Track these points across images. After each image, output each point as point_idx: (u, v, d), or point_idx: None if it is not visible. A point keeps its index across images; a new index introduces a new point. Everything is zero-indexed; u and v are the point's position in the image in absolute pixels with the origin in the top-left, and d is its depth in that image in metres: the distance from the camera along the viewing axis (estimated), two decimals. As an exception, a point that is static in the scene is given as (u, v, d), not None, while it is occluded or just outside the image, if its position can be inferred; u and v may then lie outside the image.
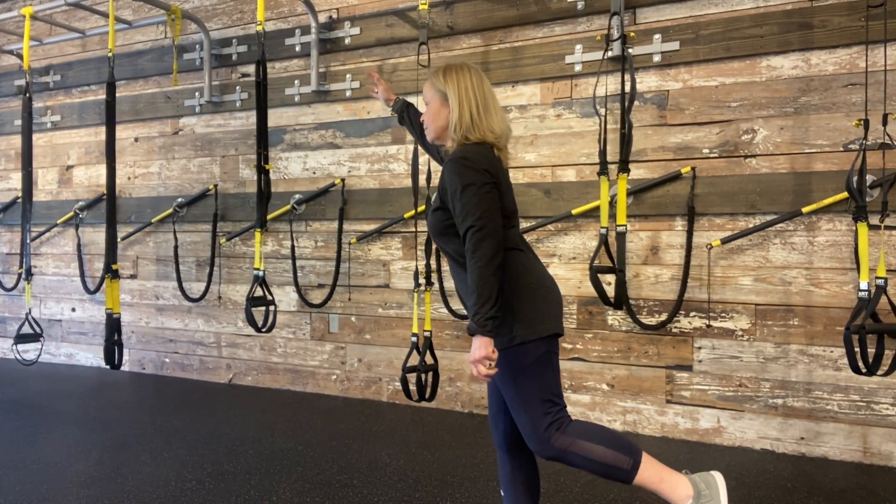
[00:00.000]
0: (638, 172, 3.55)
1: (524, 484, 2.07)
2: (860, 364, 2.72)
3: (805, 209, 3.21)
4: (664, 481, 1.88)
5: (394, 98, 2.71)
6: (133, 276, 5.18)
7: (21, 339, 4.48)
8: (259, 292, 3.84)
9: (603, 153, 3.30)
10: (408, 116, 2.62)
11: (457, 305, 3.94)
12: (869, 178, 2.96)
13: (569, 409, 3.72)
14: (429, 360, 3.49)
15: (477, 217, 1.80)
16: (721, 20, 3.40)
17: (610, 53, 3.46)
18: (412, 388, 3.43)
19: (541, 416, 1.87)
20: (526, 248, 1.99)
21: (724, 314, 3.43)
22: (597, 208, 3.55)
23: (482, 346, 1.78)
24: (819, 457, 3.23)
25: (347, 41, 4.32)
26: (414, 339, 3.51)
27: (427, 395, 3.47)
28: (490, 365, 1.81)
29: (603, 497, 2.76)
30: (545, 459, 1.90)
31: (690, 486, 1.87)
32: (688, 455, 3.26)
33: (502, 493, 2.12)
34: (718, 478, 1.89)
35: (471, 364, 1.81)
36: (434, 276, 3.80)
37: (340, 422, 3.83)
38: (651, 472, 1.88)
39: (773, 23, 3.30)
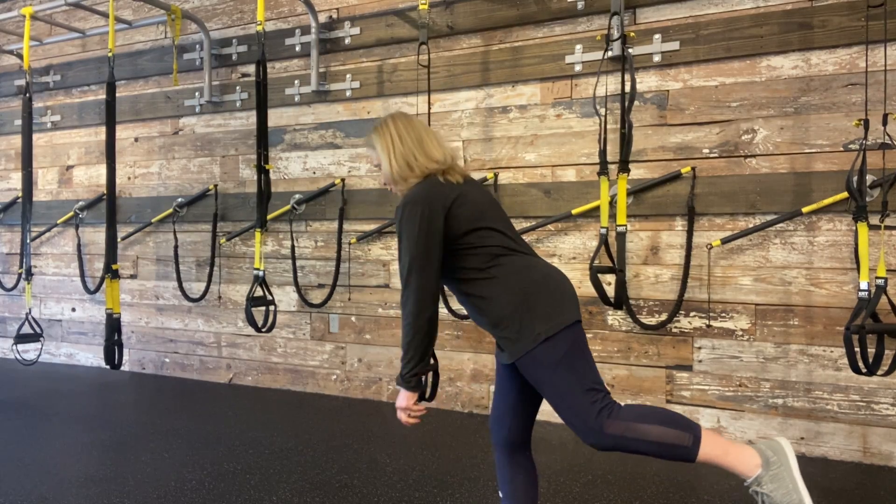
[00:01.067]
0: (638, 172, 3.55)
1: (523, 486, 2.06)
2: (860, 364, 2.72)
3: (805, 209, 3.21)
4: (729, 454, 1.79)
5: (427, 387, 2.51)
6: (133, 276, 5.18)
7: (21, 339, 4.47)
8: (259, 292, 3.84)
9: (603, 153, 3.30)
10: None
11: (456, 305, 3.94)
12: (869, 178, 2.96)
13: (569, 409, 3.72)
14: (429, 360, 3.49)
15: (406, 274, 1.84)
16: (721, 20, 3.40)
17: (610, 53, 3.46)
18: (412, 388, 3.42)
19: (587, 407, 1.80)
20: (525, 250, 1.97)
21: (724, 314, 3.43)
22: (597, 208, 3.55)
23: (406, 399, 1.90)
24: (819, 457, 3.23)
25: (347, 41, 4.32)
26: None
27: (427, 395, 3.46)
28: (410, 414, 1.92)
29: (603, 497, 2.76)
30: (601, 450, 1.83)
31: (757, 455, 1.79)
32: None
33: (500, 495, 2.11)
34: (784, 443, 1.81)
35: (397, 410, 1.94)
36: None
37: (340, 422, 3.83)
38: (714, 446, 1.79)
39: (773, 23, 3.30)
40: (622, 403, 1.85)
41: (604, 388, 1.86)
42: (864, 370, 2.74)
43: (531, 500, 2.07)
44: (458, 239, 1.88)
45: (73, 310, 5.47)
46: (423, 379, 3.39)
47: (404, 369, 1.87)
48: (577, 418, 1.82)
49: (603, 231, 3.28)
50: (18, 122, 5.08)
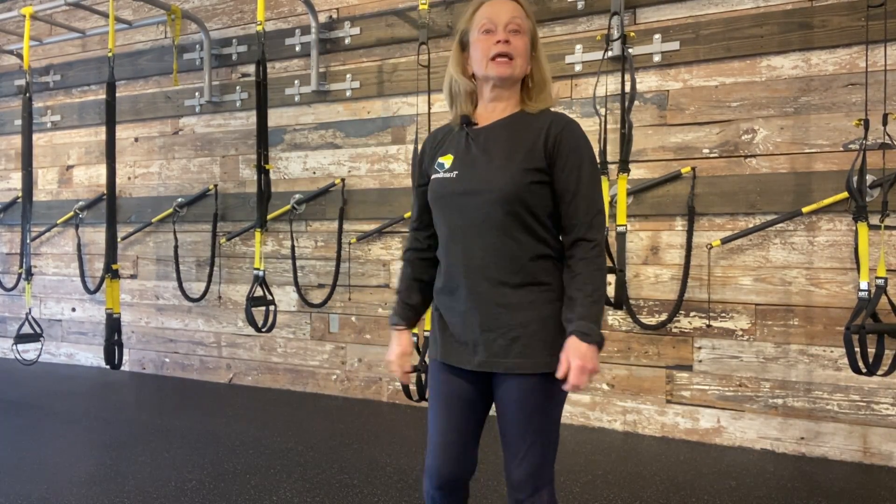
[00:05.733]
0: (638, 172, 3.55)
1: None
2: (860, 364, 2.73)
3: (805, 209, 3.21)
4: None
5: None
6: (133, 276, 5.17)
7: (21, 339, 4.47)
8: (259, 292, 3.84)
9: (603, 153, 3.30)
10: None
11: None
12: (869, 178, 2.96)
13: (569, 409, 3.72)
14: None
15: (597, 214, 1.61)
16: (721, 20, 3.40)
17: (610, 53, 3.46)
18: (412, 388, 3.43)
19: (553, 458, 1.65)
20: None
21: (724, 314, 3.43)
22: (597, 208, 3.54)
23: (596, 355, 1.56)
24: (819, 457, 3.23)
25: (347, 41, 4.32)
26: (414, 339, 3.51)
27: (427, 396, 3.46)
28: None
29: (603, 497, 2.76)
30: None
31: None
32: (688, 455, 3.26)
33: None
34: None
35: (582, 376, 1.52)
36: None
37: (340, 422, 3.83)
38: None
39: (773, 23, 3.30)
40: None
41: None
42: (864, 370, 2.74)
43: None
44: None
45: (73, 310, 5.47)
46: (423, 378, 3.40)
47: (599, 322, 1.54)
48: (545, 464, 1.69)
49: (603, 231, 3.28)
50: (18, 122, 5.07)
